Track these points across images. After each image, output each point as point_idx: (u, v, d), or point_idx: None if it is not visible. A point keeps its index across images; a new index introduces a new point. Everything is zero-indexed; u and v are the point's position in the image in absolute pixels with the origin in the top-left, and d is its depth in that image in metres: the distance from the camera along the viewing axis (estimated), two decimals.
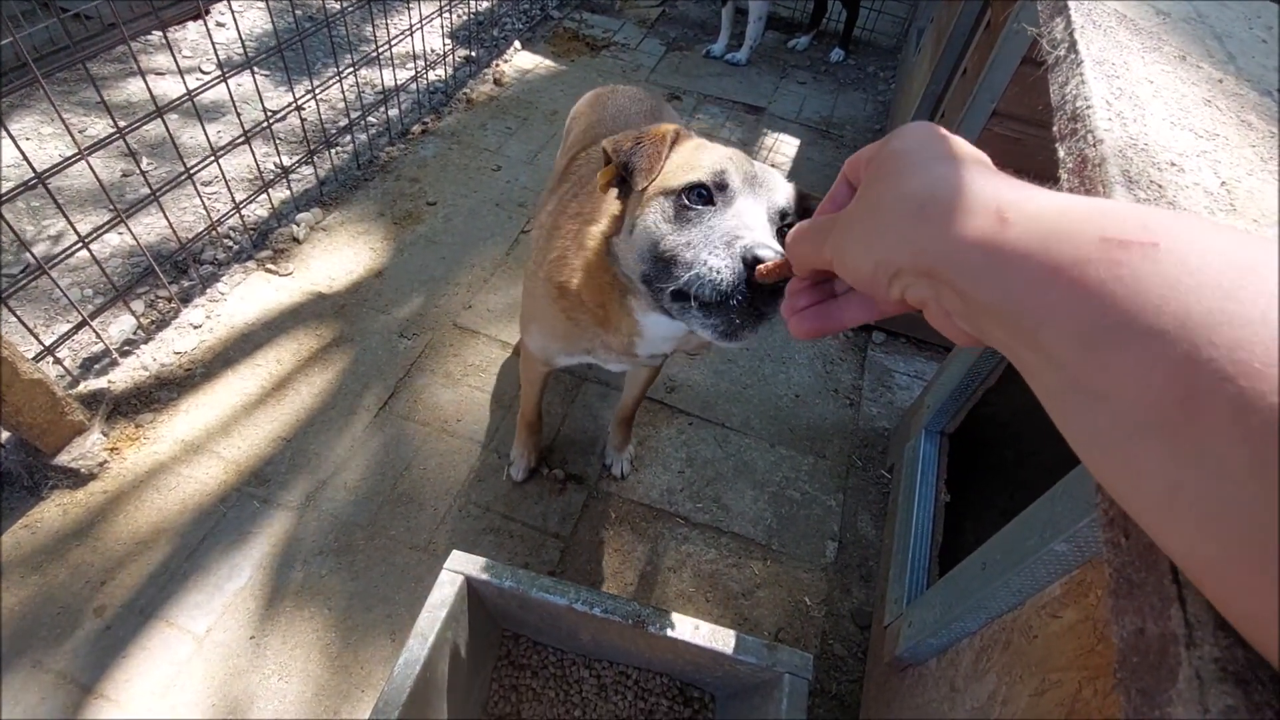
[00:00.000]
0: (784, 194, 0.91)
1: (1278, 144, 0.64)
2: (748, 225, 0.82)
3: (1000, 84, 1.62)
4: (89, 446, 1.68)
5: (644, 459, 1.91)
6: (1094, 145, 0.55)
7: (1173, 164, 0.55)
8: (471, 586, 1.20)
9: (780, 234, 0.87)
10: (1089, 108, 0.59)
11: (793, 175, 3.06)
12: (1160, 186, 0.52)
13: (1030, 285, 0.29)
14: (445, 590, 1.15)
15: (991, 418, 1.58)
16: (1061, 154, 0.58)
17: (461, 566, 1.18)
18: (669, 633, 1.16)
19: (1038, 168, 1.65)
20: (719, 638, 1.16)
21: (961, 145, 0.39)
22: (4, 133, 1.56)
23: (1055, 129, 0.62)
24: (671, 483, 1.88)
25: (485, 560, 1.20)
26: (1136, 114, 0.60)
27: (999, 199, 0.33)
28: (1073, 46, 0.70)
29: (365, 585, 1.58)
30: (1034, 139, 1.67)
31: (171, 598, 1.51)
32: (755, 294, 0.75)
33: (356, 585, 1.58)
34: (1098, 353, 0.27)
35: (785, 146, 3.26)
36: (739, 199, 0.87)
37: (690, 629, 1.17)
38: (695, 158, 0.93)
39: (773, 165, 3.10)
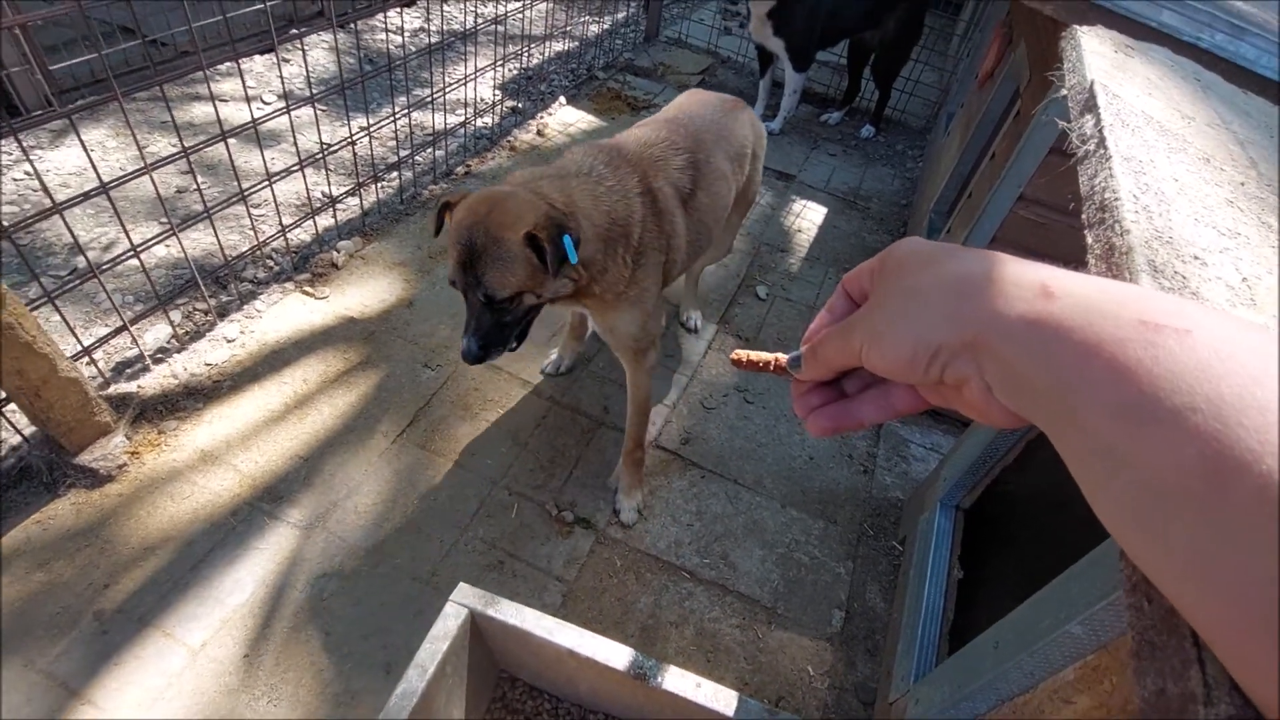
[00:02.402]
0: (484, 289, 1.35)
1: None
2: (467, 329, 1.42)
3: (1027, 171, 1.68)
4: (111, 448, 1.71)
5: (654, 508, 1.91)
6: (1121, 235, 0.58)
7: (1196, 258, 0.57)
8: (475, 621, 1.19)
9: (492, 304, 1.39)
10: (1117, 199, 0.62)
11: (818, 241, 3.14)
12: (1184, 278, 0.54)
13: (1073, 359, 0.31)
14: (449, 622, 1.14)
15: (1008, 495, 1.57)
16: (1090, 240, 0.61)
17: (467, 600, 1.18)
18: (670, 688, 1.13)
19: (1062, 254, 1.69)
20: (721, 698, 1.13)
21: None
22: (80, 143, 1.65)
23: (1084, 217, 0.65)
24: (680, 535, 1.86)
25: (491, 595, 1.19)
26: (1162, 209, 0.63)
27: (1040, 276, 0.35)
28: (1102, 142, 0.74)
29: (365, 612, 1.57)
30: (1058, 224, 1.72)
31: (171, 607, 1.51)
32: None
33: (357, 611, 1.56)
34: (1131, 425, 0.28)
35: (812, 214, 3.35)
36: (465, 298, 1.41)
37: (692, 686, 1.14)
38: (450, 247, 1.38)
39: (798, 231, 3.18)
